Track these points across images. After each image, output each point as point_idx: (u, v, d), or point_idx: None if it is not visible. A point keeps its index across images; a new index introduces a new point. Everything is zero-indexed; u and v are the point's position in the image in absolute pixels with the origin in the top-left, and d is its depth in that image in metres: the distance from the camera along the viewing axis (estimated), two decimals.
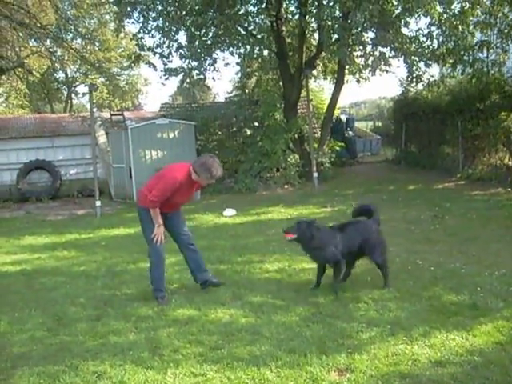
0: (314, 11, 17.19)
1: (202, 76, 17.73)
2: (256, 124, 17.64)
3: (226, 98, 22.99)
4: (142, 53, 18.75)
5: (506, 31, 16.38)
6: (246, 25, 17.58)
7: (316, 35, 19.50)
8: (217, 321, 5.50)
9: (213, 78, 19.67)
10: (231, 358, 4.60)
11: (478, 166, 16.29)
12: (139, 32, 17.36)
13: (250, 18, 18.01)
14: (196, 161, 6.07)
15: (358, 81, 20.19)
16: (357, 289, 6.21)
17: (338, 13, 16.53)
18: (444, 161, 17.86)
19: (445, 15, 15.63)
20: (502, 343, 4.62)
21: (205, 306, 5.90)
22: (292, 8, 19.63)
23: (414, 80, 17.15)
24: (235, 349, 4.78)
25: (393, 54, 16.24)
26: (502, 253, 7.57)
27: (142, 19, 17.06)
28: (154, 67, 18.36)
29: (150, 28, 17.16)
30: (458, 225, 9.68)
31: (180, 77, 18.08)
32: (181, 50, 17.10)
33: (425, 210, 11.24)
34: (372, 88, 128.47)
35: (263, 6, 17.55)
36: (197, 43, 16.74)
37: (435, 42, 16.13)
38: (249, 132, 17.85)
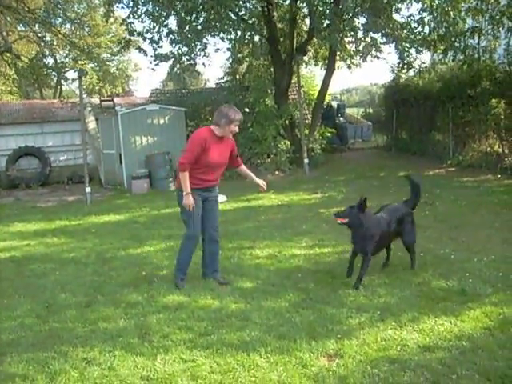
0: None
1: (192, 61, 17.62)
2: (247, 110, 17.55)
3: (216, 84, 22.85)
4: (132, 38, 18.60)
5: (497, 17, 16.32)
6: (236, 10, 17.43)
7: (307, 21, 19.42)
8: (206, 307, 5.50)
9: (203, 64, 19.69)
10: (221, 343, 4.60)
11: (468, 152, 16.32)
12: (129, 17, 17.21)
13: (240, 2, 17.85)
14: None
15: (349, 67, 20.16)
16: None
17: None
18: (434, 147, 17.88)
19: (436, 1, 15.58)
20: (490, 328, 4.65)
21: (194, 292, 5.89)
22: None
23: (405, 66, 17.09)
24: (225, 335, 4.79)
25: (384, 40, 16.20)
26: (492, 239, 7.62)
27: (131, 4, 16.92)
28: (145, 52, 18.28)
29: (139, 13, 17.01)
30: (448, 211, 9.72)
31: (170, 62, 17.94)
32: (171, 35, 16.95)
33: None
34: (364, 74, 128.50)
35: None
36: (187, 28, 16.59)
37: (426, 28, 16.09)
38: None
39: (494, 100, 15.51)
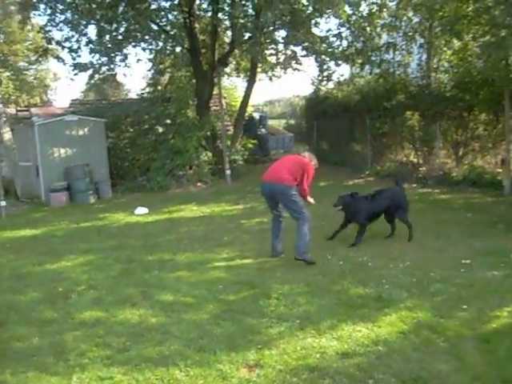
0: (227, 9, 17.19)
1: (112, 72, 17.30)
2: (168, 121, 17.40)
3: (137, 95, 22.53)
4: (50, 46, 18.05)
5: (410, 34, 17.13)
6: (158, 20, 17.31)
7: (229, 33, 19.53)
8: (125, 321, 5.38)
9: (124, 74, 19.45)
10: (140, 359, 4.52)
11: (385, 162, 16.88)
12: (46, 25, 16.71)
13: (162, 13, 17.72)
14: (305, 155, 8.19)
15: (270, 79, 20.40)
16: (267, 284, 6.26)
17: (250, 11, 16.62)
18: (354, 158, 18.36)
19: (353, 17, 16.09)
20: (405, 332, 4.81)
21: (113, 307, 5.76)
22: (205, 5, 19.53)
23: (325, 79, 17.53)
24: (144, 349, 4.70)
25: (304, 52, 16.52)
26: (407, 246, 7.92)
27: (49, 11, 16.43)
28: (63, 62, 17.82)
29: (57, 21, 16.54)
30: None
31: (90, 72, 17.53)
32: (90, 45, 16.58)
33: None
34: (287, 86, 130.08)
35: (176, 1, 17.35)
36: (107, 38, 16.30)
37: (345, 42, 16.58)
38: (161, 129, 17.58)
39: (408, 112, 16.18)
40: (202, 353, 4.56)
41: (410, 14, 16.97)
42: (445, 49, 16.70)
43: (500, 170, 13.21)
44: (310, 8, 15.85)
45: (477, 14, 12.29)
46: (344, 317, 5.20)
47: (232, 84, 25.25)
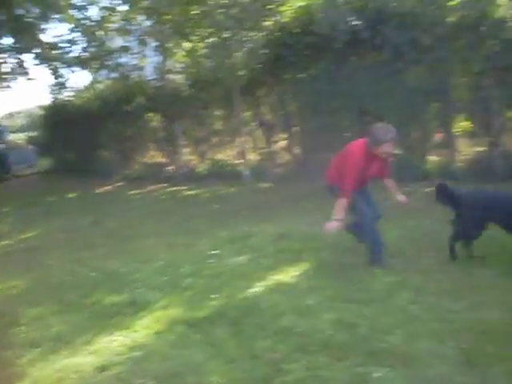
0: None
1: None
2: None
3: None
4: None
5: (142, 37, 17.37)
6: None
7: None
8: None
9: None
10: None
11: (134, 165, 16.97)
12: None
13: None
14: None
15: None
16: (16, 311, 5.86)
17: None
18: (101, 164, 18.12)
19: (85, 21, 15.79)
20: (160, 332, 4.86)
21: None
22: None
23: (60, 86, 16.97)
24: None
25: (37, 61, 15.76)
26: (158, 246, 8.01)
27: None
28: None
29: None
30: (117, 226, 9.89)
31: None
32: None
33: (85, 216, 11.15)
34: (30, 97, 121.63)
35: None
36: None
37: (78, 47, 16.21)
38: None
39: (149, 114, 16.47)
40: None
41: (143, 17, 17.21)
42: (176, 51, 17.32)
43: (239, 161, 14.19)
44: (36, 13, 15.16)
45: (201, 17, 13.01)
46: (99, 329, 5.07)
47: None
